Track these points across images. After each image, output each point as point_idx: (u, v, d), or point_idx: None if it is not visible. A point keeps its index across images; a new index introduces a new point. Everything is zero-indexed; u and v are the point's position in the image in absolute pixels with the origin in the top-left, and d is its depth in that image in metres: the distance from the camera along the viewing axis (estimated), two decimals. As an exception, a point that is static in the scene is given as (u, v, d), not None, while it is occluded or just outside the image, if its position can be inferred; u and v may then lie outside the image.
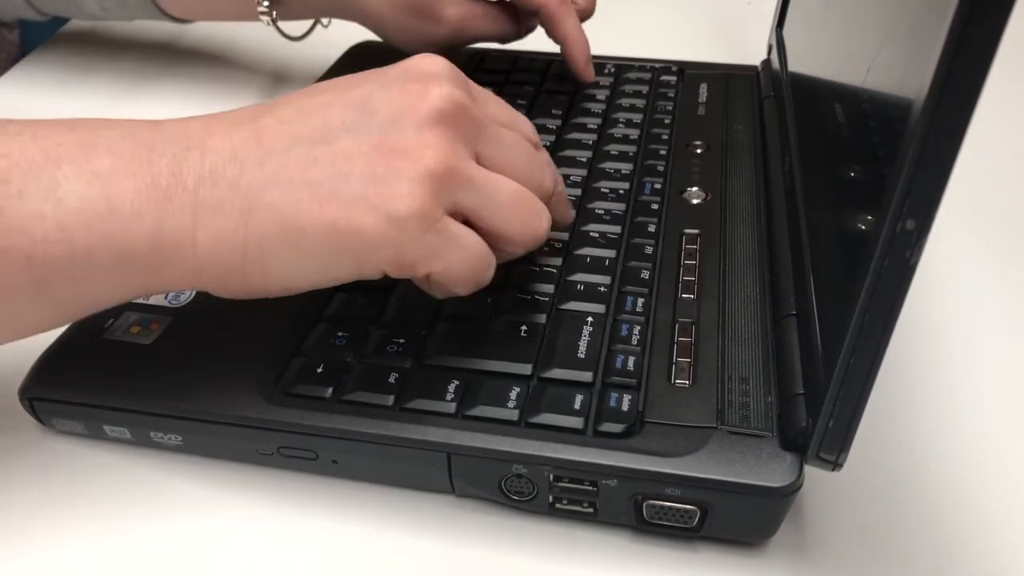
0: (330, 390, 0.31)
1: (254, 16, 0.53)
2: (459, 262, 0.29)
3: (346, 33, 0.56)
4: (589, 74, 0.50)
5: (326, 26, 0.57)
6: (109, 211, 0.26)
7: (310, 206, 0.27)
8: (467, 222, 0.29)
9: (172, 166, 0.27)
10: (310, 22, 0.57)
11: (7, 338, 0.29)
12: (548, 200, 0.32)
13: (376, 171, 0.27)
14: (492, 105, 0.32)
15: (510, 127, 0.32)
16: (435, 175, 0.28)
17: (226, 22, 0.59)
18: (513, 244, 0.31)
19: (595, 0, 0.52)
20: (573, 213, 0.37)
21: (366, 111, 0.28)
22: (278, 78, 0.59)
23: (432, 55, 0.31)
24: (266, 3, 0.51)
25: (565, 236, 0.38)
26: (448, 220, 0.28)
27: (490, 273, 0.31)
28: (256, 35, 0.61)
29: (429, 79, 0.29)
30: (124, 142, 0.28)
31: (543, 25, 0.50)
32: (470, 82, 0.31)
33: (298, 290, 0.30)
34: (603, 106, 0.49)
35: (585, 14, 0.52)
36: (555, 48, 0.52)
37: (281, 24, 0.53)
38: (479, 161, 0.30)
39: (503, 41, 0.53)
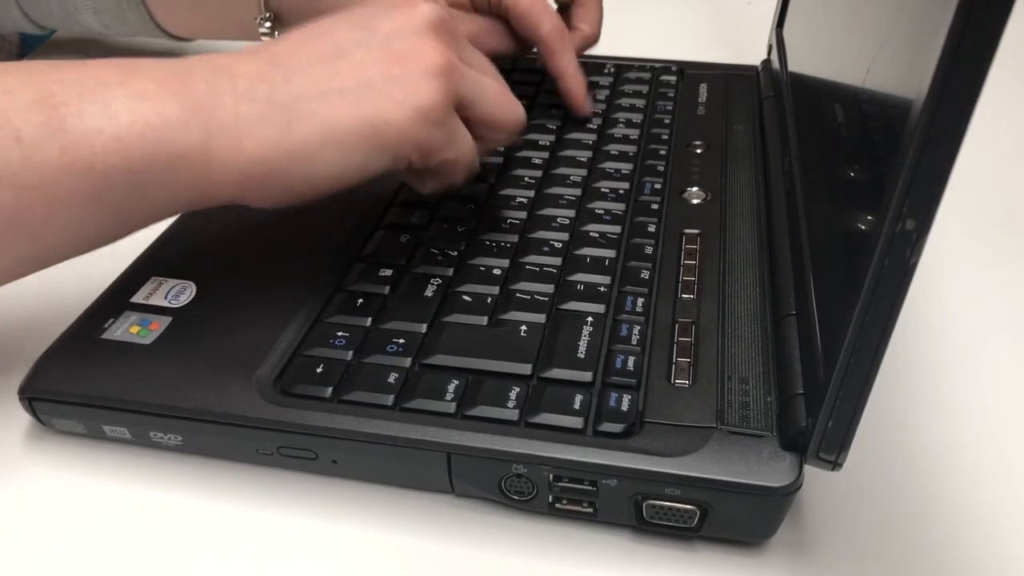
0: (330, 390, 0.31)
1: (255, 35, 0.53)
2: (464, 150, 0.34)
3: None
4: (587, 109, 0.49)
5: None
6: (160, 122, 0.29)
7: (345, 109, 0.31)
8: (462, 117, 0.34)
9: (208, 88, 0.30)
10: None
11: (73, 250, 0.31)
12: None
13: (393, 73, 0.31)
14: (461, 27, 0.36)
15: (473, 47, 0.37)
16: (442, 70, 0.32)
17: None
18: (502, 130, 0.36)
19: (600, 28, 0.52)
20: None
21: (368, 28, 0.33)
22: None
23: None
24: (267, 25, 0.52)
25: (565, 236, 0.38)
26: (454, 113, 0.33)
27: (477, 164, 0.36)
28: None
29: (413, 1, 0.34)
30: (160, 70, 0.31)
31: (540, 56, 0.50)
32: (444, 4, 0.35)
33: (337, 189, 0.32)
34: (603, 106, 0.49)
35: (589, 42, 0.51)
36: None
37: None
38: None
39: (510, 57, 0.53)
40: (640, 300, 0.34)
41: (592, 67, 0.53)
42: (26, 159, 0.28)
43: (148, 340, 0.33)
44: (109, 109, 0.29)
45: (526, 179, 0.42)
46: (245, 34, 0.53)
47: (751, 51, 0.55)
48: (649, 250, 0.37)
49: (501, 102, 0.35)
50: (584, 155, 0.44)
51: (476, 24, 0.50)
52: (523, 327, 0.33)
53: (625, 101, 0.50)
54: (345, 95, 0.31)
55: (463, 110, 0.34)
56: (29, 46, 0.66)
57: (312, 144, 0.31)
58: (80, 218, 0.30)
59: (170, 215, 0.32)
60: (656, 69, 0.54)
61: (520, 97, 0.49)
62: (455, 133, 0.33)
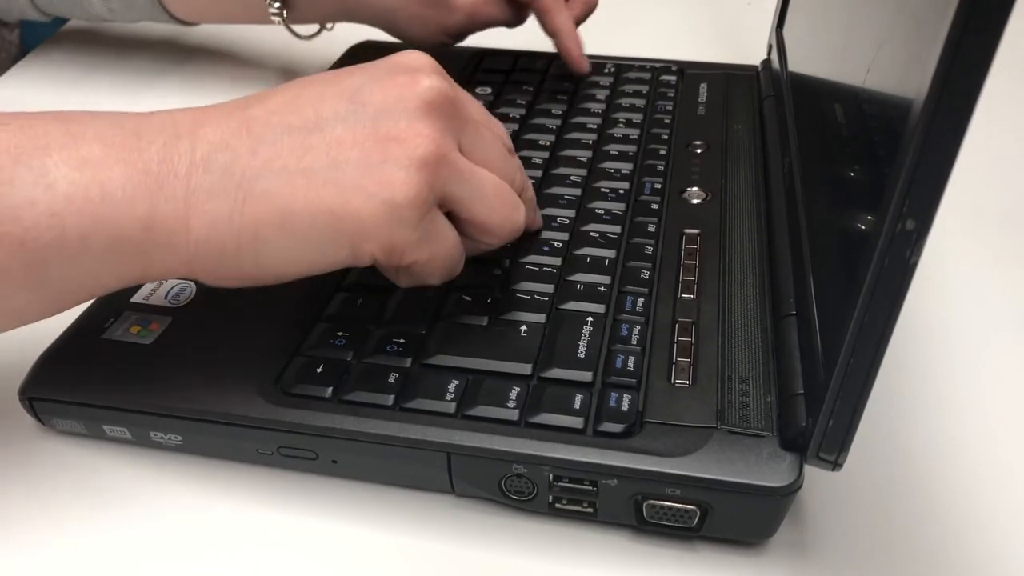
0: (330, 390, 0.31)
1: (264, 19, 0.53)
2: (442, 252, 0.30)
3: (350, 32, 0.56)
4: (584, 65, 0.50)
5: (330, 29, 0.57)
6: (101, 196, 0.27)
7: (307, 193, 0.28)
8: (448, 214, 0.30)
9: (162, 153, 0.28)
10: (317, 24, 0.57)
11: (1, 327, 0.29)
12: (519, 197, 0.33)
13: (371, 159, 0.28)
14: (471, 103, 0.33)
15: (487, 127, 0.33)
16: (428, 163, 0.28)
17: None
18: (493, 235, 0.32)
19: None
20: (540, 219, 0.38)
21: (357, 101, 0.29)
22: (282, 76, 0.59)
23: (417, 52, 0.31)
24: (277, 5, 0.52)
25: (565, 236, 0.38)
26: (435, 211, 0.30)
27: (460, 266, 0.32)
28: (259, 35, 0.61)
29: (417, 71, 0.30)
30: (113, 130, 0.28)
31: (537, 18, 0.50)
32: (452, 80, 0.31)
33: (290, 276, 0.30)
34: (603, 106, 0.49)
35: (589, 8, 0.52)
36: (554, 48, 0.52)
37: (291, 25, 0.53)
38: (462, 153, 0.30)
39: (508, 26, 0.53)
40: (640, 300, 0.34)
41: (592, 67, 0.53)
42: None
43: (148, 340, 0.33)
44: (46, 178, 0.26)
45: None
46: (254, 18, 0.53)
47: (751, 51, 0.55)
48: (649, 250, 0.37)
49: (495, 204, 0.31)
50: (584, 155, 0.44)
51: None
52: (523, 327, 0.33)
53: (625, 101, 0.50)
54: (310, 177, 0.28)
55: (448, 206, 0.30)
56: (29, 44, 0.66)
57: (263, 226, 0.28)
58: (8, 295, 0.27)
59: (115, 289, 0.29)
60: (656, 69, 0.53)
61: (520, 97, 0.50)
62: (432, 234, 0.29)
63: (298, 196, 0.28)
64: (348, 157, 0.28)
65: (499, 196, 0.31)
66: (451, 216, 0.31)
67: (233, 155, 0.28)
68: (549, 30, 0.50)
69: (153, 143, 0.28)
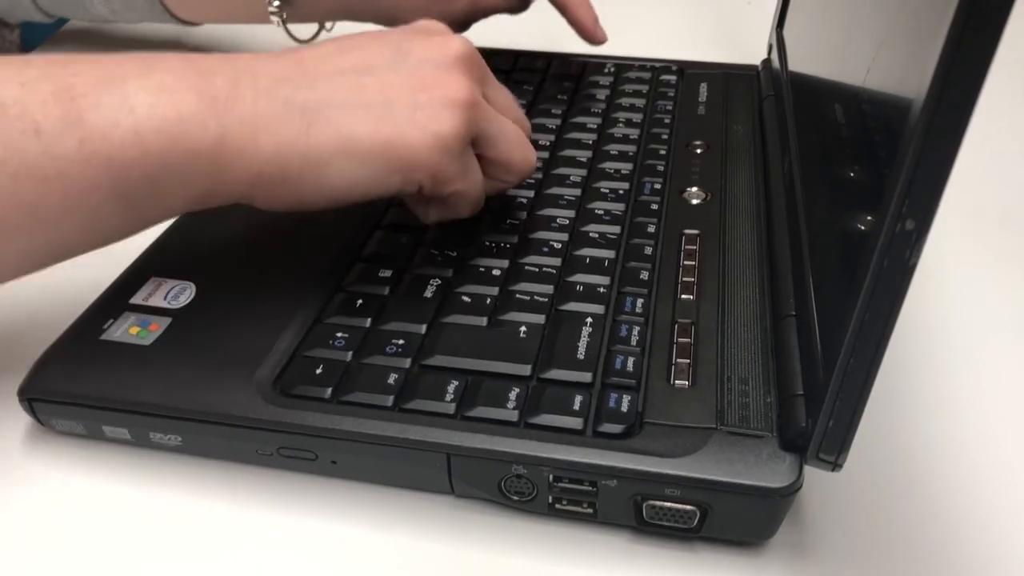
0: (330, 390, 0.31)
1: (264, 18, 0.53)
2: (475, 184, 0.34)
3: (348, 31, 0.56)
4: (600, 34, 0.51)
5: (329, 30, 0.57)
6: (177, 117, 0.29)
7: (367, 123, 0.31)
8: (477, 153, 0.34)
9: (228, 84, 0.30)
10: (316, 25, 0.57)
11: (88, 244, 0.31)
12: None
13: (418, 98, 0.32)
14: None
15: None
16: (467, 104, 0.32)
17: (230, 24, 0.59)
18: (513, 172, 0.36)
19: None
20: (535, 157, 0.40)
21: (400, 52, 0.33)
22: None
23: (434, 20, 0.36)
24: (276, 5, 0.51)
25: (565, 237, 0.38)
26: (470, 148, 0.34)
27: (483, 201, 0.36)
28: (260, 34, 0.61)
29: (445, 32, 0.35)
30: (181, 64, 0.30)
31: None
32: None
33: (343, 202, 0.33)
34: (603, 106, 0.49)
35: None
36: (555, 48, 0.52)
37: (290, 26, 0.53)
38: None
39: (512, 12, 0.53)
40: (640, 301, 0.34)
41: (592, 67, 0.53)
42: (45, 152, 0.28)
43: (148, 341, 0.33)
44: (128, 102, 0.29)
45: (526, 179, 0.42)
46: (255, 18, 0.53)
47: (751, 51, 0.55)
48: (649, 250, 0.37)
49: (517, 145, 0.35)
50: (584, 155, 0.44)
51: None
52: (522, 328, 0.33)
53: (625, 101, 0.50)
54: (368, 110, 0.31)
55: (479, 147, 0.34)
56: (30, 45, 0.66)
57: (327, 150, 0.31)
58: (97, 211, 0.29)
59: (184, 211, 0.32)
60: (656, 69, 0.53)
61: (520, 97, 0.49)
62: (468, 167, 0.34)
63: (360, 126, 0.31)
64: (398, 96, 0.32)
65: (520, 138, 0.36)
66: (477, 157, 0.34)
67: (295, 87, 0.31)
68: (559, 3, 0.50)
69: (219, 75, 0.30)
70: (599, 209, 0.40)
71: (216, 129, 0.30)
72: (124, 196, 0.29)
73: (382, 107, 0.31)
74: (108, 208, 0.30)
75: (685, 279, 0.36)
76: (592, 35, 0.50)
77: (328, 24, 0.57)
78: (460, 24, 0.53)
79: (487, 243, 0.38)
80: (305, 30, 0.56)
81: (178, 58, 0.31)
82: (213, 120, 0.30)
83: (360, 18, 0.53)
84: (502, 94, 0.37)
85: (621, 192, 0.41)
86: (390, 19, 0.53)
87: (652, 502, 0.28)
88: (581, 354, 0.32)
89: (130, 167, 0.29)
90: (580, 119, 0.48)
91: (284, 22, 0.52)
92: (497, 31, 0.54)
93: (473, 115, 0.32)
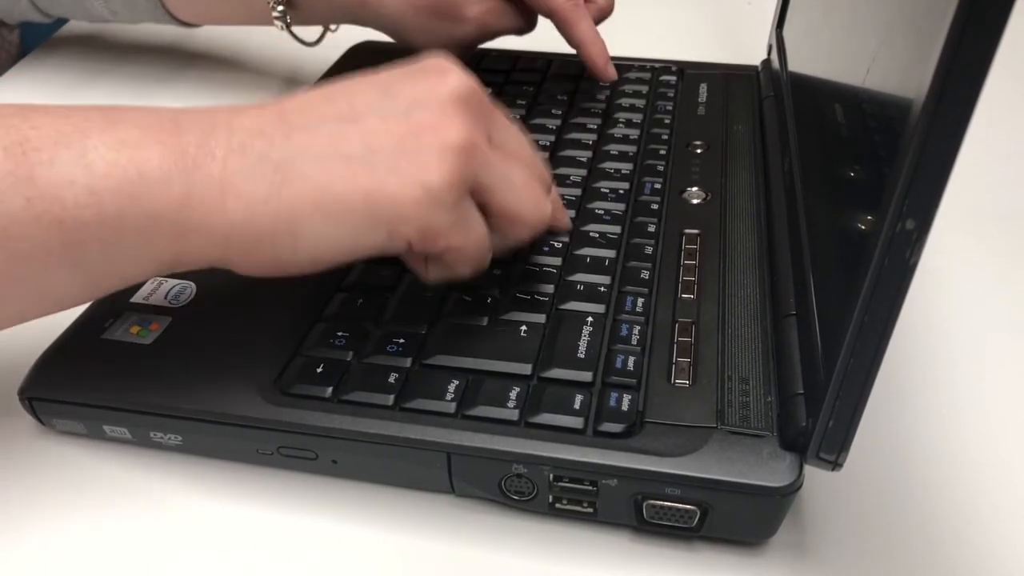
0: (330, 390, 0.31)
1: (267, 21, 0.52)
2: (474, 239, 0.31)
3: (353, 35, 0.56)
4: (610, 73, 0.50)
5: (334, 31, 0.57)
6: (138, 175, 0.27)
7: (344, 177, 0.28)
8: (479, 204, 0.31)
9: (199, 139, 0.28)
10: (320, 28, 0.57)
11: (39, 310, 0.29)
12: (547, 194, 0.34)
13: (406, 146, 0.29)
14: (497, 105, 0.33)
15: (513, 126, 0.33)
16: (462, 149, 0.29)
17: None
18: (522, 225, 0.32)
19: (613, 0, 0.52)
20: (569, 220, 0.38)
21: (389, 95, 0.30)
22: (286, 80, 0.59)
23: (440, 55, 0.32)
24: (280, 8, 0.51)
25: (565, 237, 0.38)
26: (468, 198, 0.30)
27: (488, 259, 0.32)
28: (262, 37, 0.61)
29: (445, 70, 0.31)
30: (150, 118, 0.28)
31: (558, 29, 0.50)
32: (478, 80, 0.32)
33: (324, 263, 0.30)
34: (603, 106, 0.49)
35: (604, 13, 0.52)
36: (555, 48, 0.52)
37: (295, 29, 0.53)
38: (491, 146, 0.31)
39: (519, 34, 0.53)
40: (640, 300, 0.34)
41: (612, 67, 0.53)
42: None
43: (148, 340, 0.33)
44: (85, 158, 0.27)
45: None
46: (256, 19, 0.53)
47: (751, 51, 0.55)
48: (649, 250, 0.37)
49: (524, 195, 0.31)
50: (584, 155, 0.44)
51: (491, 5, 0.50)
52: (523, 327, 0.33)
53: (625, 101, 0.50)
54: (347, 161, 0.28)
55: (480, 196, 0.30)
56: (29, 45, 0.66)
57: (301, 210, 0.28)
58: (49, 277, 0.27)
59: (152, 276, 0.30)
60: (656, 69, 0.54)
61: (520, 97, 0.50)
62: (465, 220, 0.30)
63: (335, 179, 0.28)
64: (383, 144, 0.29)
65: (528, 186, 0.32)
66: (481, 209, 0.31)
67: (269, 142, 0.28)
68: (573, 42, 0.49)
69: (190, 130, 0.28)
70: (599, 209, 0.40)
71: (181, 189, 0.27)
72: (79, 261, 0.27)
73: (364, 157, 0.28)
74: (62, 274, 0.28)
75: (685, 278, 0.36)
76: (603, 74, 0.49)
77: (332, 26, 0.57)
78: (466, 47, 0.52)
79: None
80: (309, 32, 0.56)
81: (151, 111, 0.29)
82: (179, 179, 0.27)
83: (364, 24, 0.52)
84: (510, 135, 0.33)
85: (621, 192, 0.41)
86: (393, 33, 0.52)
87: (652, 501, 0.28)
88: (582, 353, 0.32)
89: (84, 230, 0.27)
90: (580, 119, 0.48)
91: (288, 25, 0.52)
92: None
93: (469, 161, 0.29)
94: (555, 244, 0.37)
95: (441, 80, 0.30)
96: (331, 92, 0.30)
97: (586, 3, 0.50)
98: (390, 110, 0.29)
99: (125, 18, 0.56)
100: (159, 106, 0.29)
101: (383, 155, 0.28)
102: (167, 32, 0.62)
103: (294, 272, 0.30)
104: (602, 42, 0.49)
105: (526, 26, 0.52)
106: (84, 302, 0.30)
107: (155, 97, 0.57)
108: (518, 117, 0.47)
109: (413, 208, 0.28)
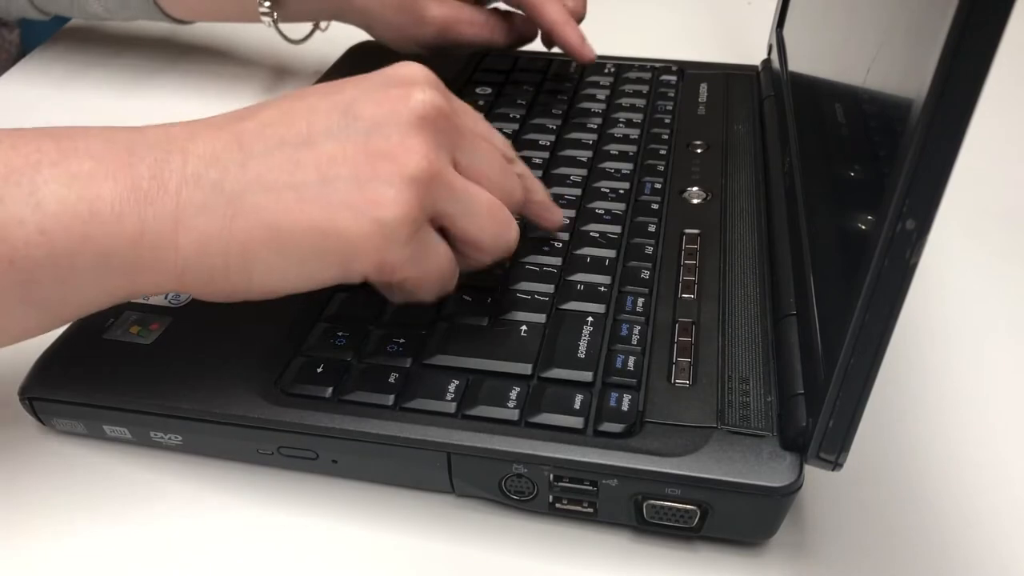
0: (330, 390, 0.31)
1: (255, 18, 0.53)
2: (435, 268, 0.30)
3: (346, 33, 0.56)
4: (588, 52, 0.48)
5: (324, 30, 0.57)
6: (89, 213, 0.26)
7: (296, 209, 0.27)
8: (440, 229, 0.30)
9: (153, 169, 0.27)
10: (310, 25, 0.57)
11: (1, 343, 0.29)
12: (517, 210, 0.33)
13: (361, 175, 0.27)
14: (469, 116, 0.32)
15: (485, 139, 0.32)
16: (419, 180, 0.28)
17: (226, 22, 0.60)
18: (484, 252, 0.31)
19: (584, 5, 0.52)
20: (560, 216, 0.37)
21: (349, 115, 0.28)
22: (279, 75, 0.59)
23: (413, 63, 0.31)
24: (267, 4, 0.52)
25: (565, 236, 0.38)
26: (427, 227, 0.29)
27: (454, 282, 0.31)
28: (256, 33, 0.61)
29: (411, 84, 0.29)
30: (104, 147, 0.28)
31: (528, 15, 0.49)
32: (449, 92, 0.31)
33: (281, 293, 0.29)
34: (603, 106, 0.49)
35: (576, 15, 0.51)
36: (554, 48, 0.52)
37: (282, 27, 0.53)
38: (456, 168, 0.30)
39: (495, 47, 0.52)
40: (640, 300, 0.34)
41: (592, 67, 0.53)
42: None
43: (148, 340, 0.33)
44: (35, 196, 0.26)
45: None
46: (246, 16, 0.53)
47: (751, 51, 0.55)
48: (649, 250, 0.37)
49: (488, 223, 0.30)
50: (584, 155, 0.44)
51: (455, 11, 0.49)
52: (523, 327, 0.33)
53: (625, 101, 0.50)
54: (298, 192, 0.27)
55: (440, 222, 0.30)
56: (29, 44, 0.66)
57: (252, 244, 0.27)
58: (6, 313, 0.27)
59: (110, 305, 0.29)
60: (656, 69, 0.54)
61: (520, 97, 0.49)
62: (423, 251, 0.29)
63: (285, 213, 0.27)
64: (338, 173, 0.27)
65: (492, 214, 0.31)
66: (443, 232, 0.30)
67: (223, 170, 0.28)
68: (544, 26, 0.49)
69: (144, 159, 0.27)
70: (600, 208, 0.40)
71: (133, 227, 0.27)
72: (33, 299, 0.27)
73: (316, 187, 0.27)
74: (18, 312, 0.27)
75: (686, 278, 0.36)
76: (580, 55, 0.48)
77: (323, 24, 0.57)
78: (430, 48, 0.51)
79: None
80: (298, 30, 0.56)
81: (106, 135, 0.28)
82: (131, 216, 0.27)
83: (345, 20, 0.53)
84: (476, 152, 0.31)
85: (621, 192, 0.41)
86: (368, 28, 0.53)
87: (652, 501, 0.28)
88: (582, 353, 0.32)
89: (36, 269, 0.26)
90: (580, 119, 0.48)
91: (275, 22, 0.52)
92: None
93: (428, 192, 0.28)
94: (555, 244, 0.37)
95: (404, 97, 0.29)
96: (291, 111, 0.29)
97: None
98: (350, 132, 0.28)
99: (119, 15, 0.56)
100: (116, 126, 0.29)
101: (338, 184, 0.27)
102: (162, 28, 0.62)
103: (253, 299, 0.29)
104: (574, 23, 0.48)
105: (503, 41, 0.51)
106: (42, 333, 0.30)
107: (154, 94, 0.57)
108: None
109: (365, 244, 0.27)
